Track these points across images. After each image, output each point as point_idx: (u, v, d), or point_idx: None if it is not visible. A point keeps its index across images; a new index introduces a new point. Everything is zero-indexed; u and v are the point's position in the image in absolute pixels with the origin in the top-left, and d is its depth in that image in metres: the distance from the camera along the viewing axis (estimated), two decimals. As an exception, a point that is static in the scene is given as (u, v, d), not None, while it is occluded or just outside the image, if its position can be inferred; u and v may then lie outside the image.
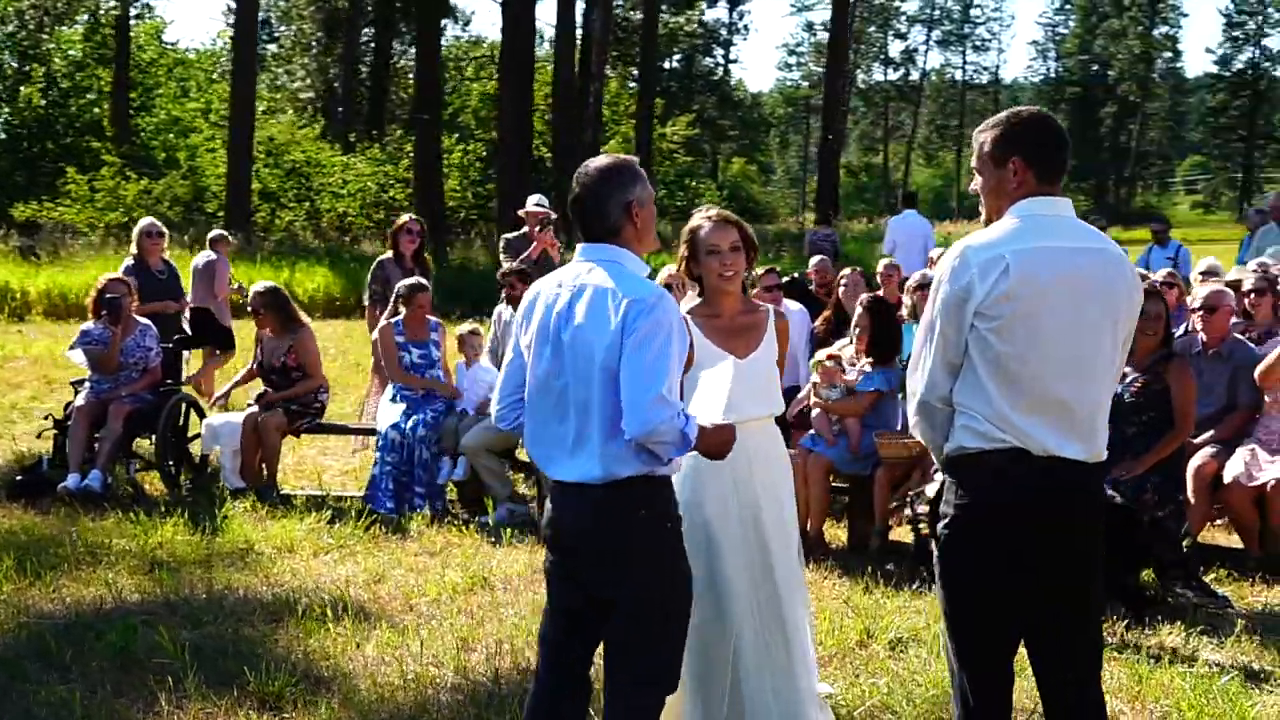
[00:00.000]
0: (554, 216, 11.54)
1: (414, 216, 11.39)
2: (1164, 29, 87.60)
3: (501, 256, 11.61)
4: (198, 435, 9.85)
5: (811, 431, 8.07)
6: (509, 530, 8.38)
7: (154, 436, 9.49)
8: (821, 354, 8.01)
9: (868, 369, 7.96)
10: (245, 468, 9.33)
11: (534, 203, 11.77)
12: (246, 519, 8.54)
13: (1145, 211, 79.42)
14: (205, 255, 14.02)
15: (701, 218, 4.84)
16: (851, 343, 8.11)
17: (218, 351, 12.58)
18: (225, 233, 15.20)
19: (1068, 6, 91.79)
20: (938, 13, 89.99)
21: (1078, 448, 3.74)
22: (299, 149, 37.49)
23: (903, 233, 18.16)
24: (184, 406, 9.87)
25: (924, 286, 8.95)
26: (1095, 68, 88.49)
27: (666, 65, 64.47)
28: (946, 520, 3.84)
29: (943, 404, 3.83)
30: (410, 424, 9.06)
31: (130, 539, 8.01)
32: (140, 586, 7.18)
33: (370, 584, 7.28)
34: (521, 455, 9.43)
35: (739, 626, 4.71)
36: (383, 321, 9.77)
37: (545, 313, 3.97)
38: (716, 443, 3.95)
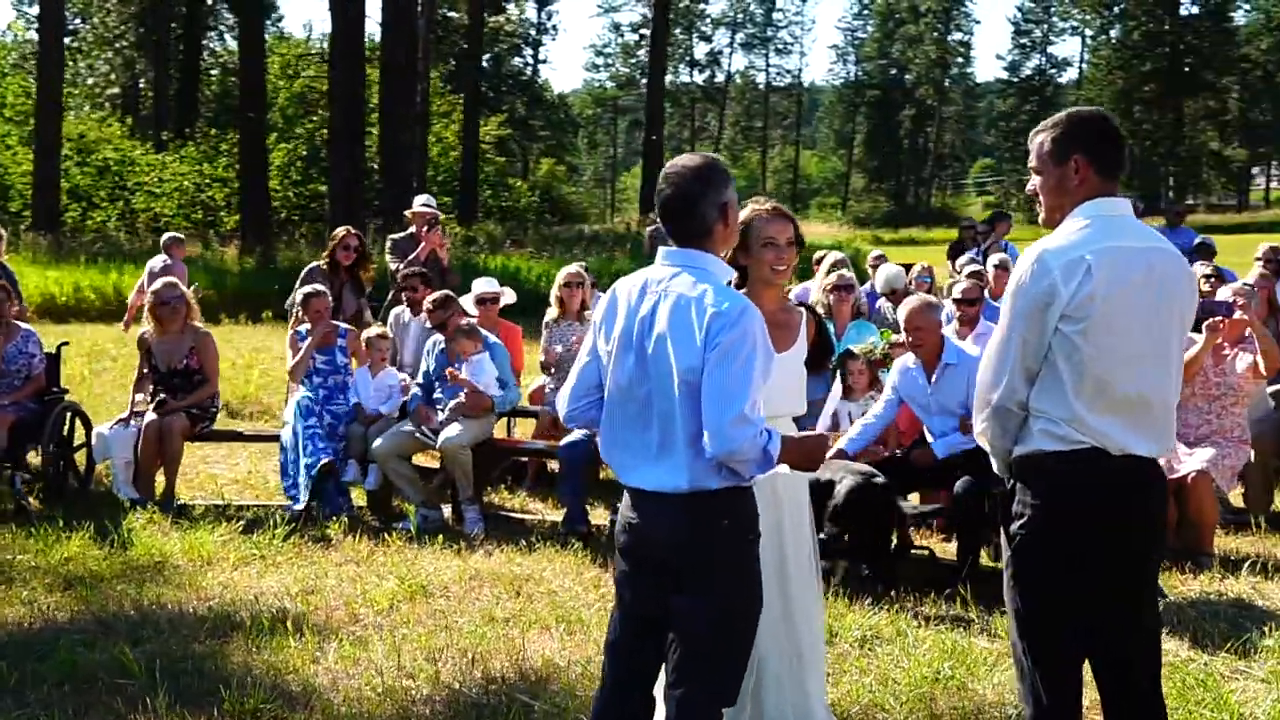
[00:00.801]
0: (441, 216, 11.39)
1: (352, 230, 11.13)
2: (958, 35, 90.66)
3: (388, 258, 11.42)
4: (84, 445, 9.42)
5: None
6: (436, 537, 8.23)
7: (39, 447, 9.04)
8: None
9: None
10: (141, 477, 8.96)
11: (421, 203, 11.60)
12: (152, 531, 8.21)
13: (945, 212, 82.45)
14: (160, 259, 14.13)
15: (757, 209, 4.73)
16: None
17: None
18: (179, 235, 15.17)
19: (866, 12, 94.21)
20: (741, 16, 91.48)
21: (1152, 445, 3.85)
22: (109, 147, 36.11)
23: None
24: (69, 416, 9.41)
25: (841, 288, 9.13)
26: (894, 72, 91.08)
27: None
28: (1022, 521, 3.88)
29: (1019, 409, 3.87)
30: (305, 427, 8.80)
31: (34, 555, 7.63)
32: (63, 604, 6.85)
33: (305, 595, 7.07)
34: (426, 461, 9.30)
35: (761, 636, 4.67)
36: (289, 330, 9.53)
37: (628, 318, 3.89)
38: (803, 454, 3.91)
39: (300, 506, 8.56)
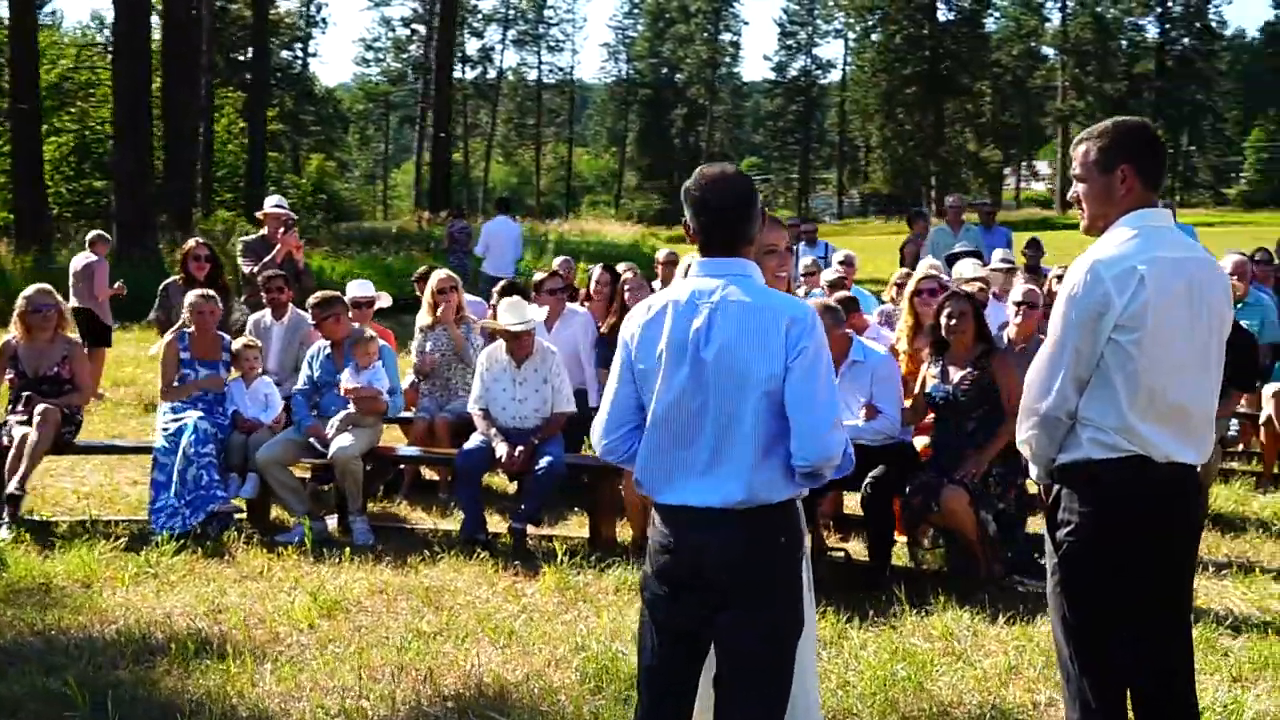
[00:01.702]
0: (295, 218, 11.06)
1: (201, 240, 10.65)
2: (728, 35, 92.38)
3: (240, 260, 11.02)
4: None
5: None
6: (332, 549, 8.00)
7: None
8: None
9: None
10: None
11: (273, 204, 11.22)
12: (24, 551, 7.77)
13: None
14: (84, 256, 14.03)
15: None
16: None
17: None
18: (104, 233, 14.93)
19: (636, 10, 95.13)
20: (513, 12, 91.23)
21: (1192, 453, 3.93)
22: None
23: (494, 237, 19.49)
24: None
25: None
26: (665, 71, 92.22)
27: (242, 58, 62.17)
28: (1070, 529, 3.93)
29: (1068, 418, 3.91)
30: (187, 439, 8.43)
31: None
32: (-49, 633, 6.42)
33: (214, 614, 6.79)
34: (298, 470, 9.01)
35: None
36: (167, 336, 9.09)
37: (676, 331, 3.73)
38: None
39: (177, 529, 8.14)
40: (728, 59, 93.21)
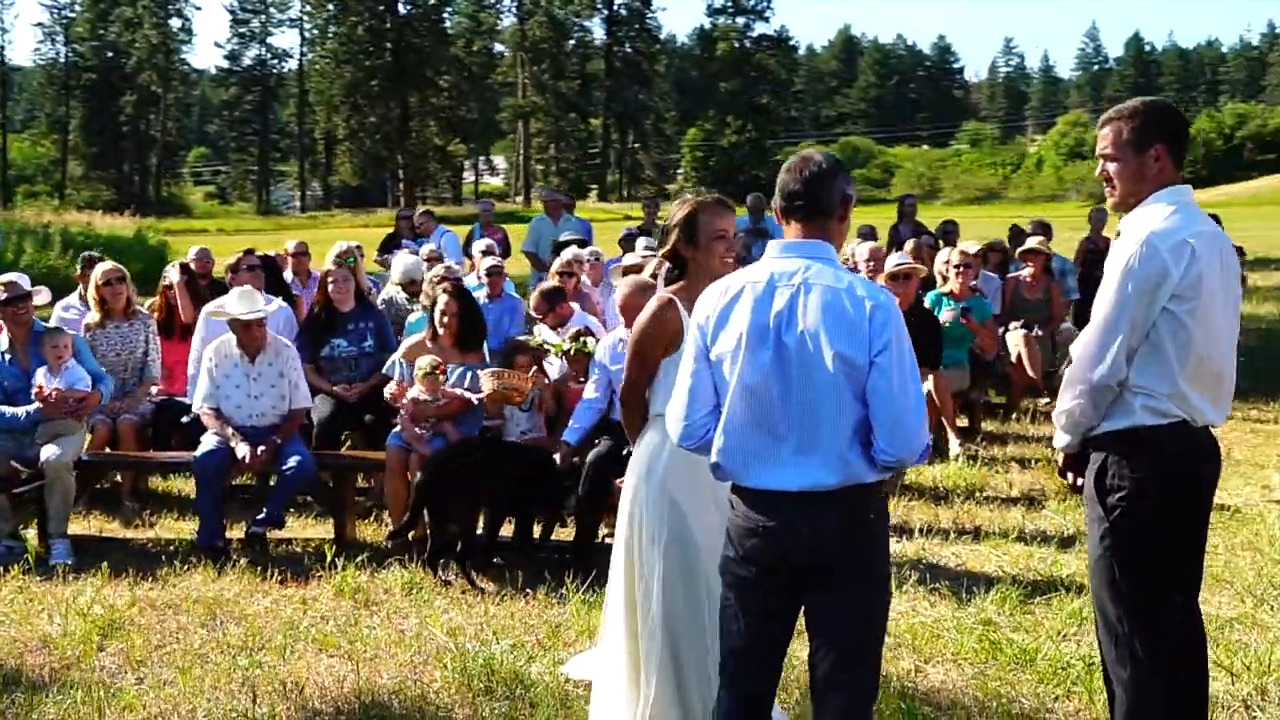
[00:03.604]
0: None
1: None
2: (177, 21, 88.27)
3: None
4: None
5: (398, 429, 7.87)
6: (54, 568, 7.31)
7: None
8: (424, 362, 7.73)
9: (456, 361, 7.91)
10: None
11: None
12: None
13: (171, 201, 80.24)
14: None
15: (701, 201, 4.70)
16: (437, 334, 7.94)
17: None
18: None
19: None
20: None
21: (1221, 417, 4.21)
22: None
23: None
24: None
25: (447, 279, 9.07)
26: (110, 55, 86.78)
27: None
28: (1123, 494, 4.06)
29: (1118, 386, 4.04)
30: None
31: None
32: None
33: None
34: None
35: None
36: None
37: (757, 315, 3.70)
38: None
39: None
40: (179, 45, 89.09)
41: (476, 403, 7.72)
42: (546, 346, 8.18)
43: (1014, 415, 11.19)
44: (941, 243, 13.56)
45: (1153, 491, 4.04)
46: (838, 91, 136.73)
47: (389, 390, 7.98)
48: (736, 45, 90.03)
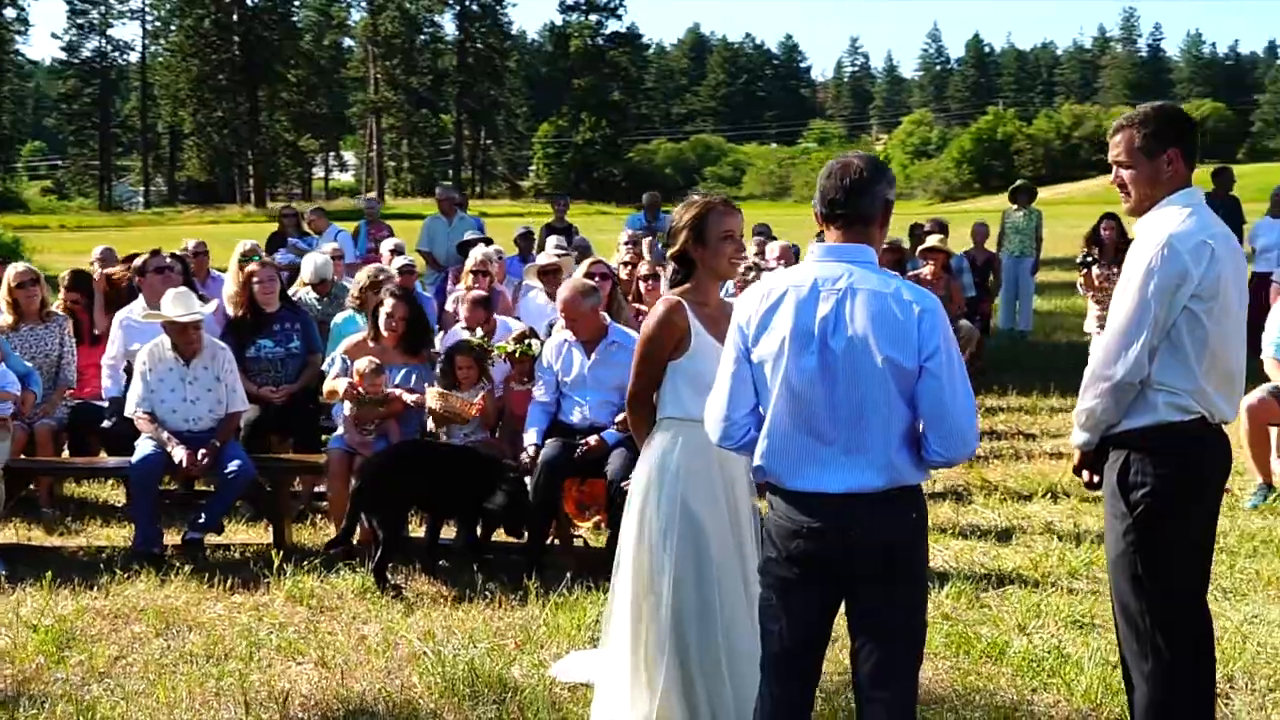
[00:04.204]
0: None
1: None
2: (11, 11, 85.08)
3: None
4: None
5: (341, 432, 7.77)
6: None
7: None
8: (363, 362, 7.65)
9: (400, 362, 7.82)
10: None
11: None
12: None
13: (5, 196, 77.30)
14: None
15: (709, 202, 4.70)
16: (380, 335, 7.84)
17: None
18: None
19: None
20: None
21: (1233, 413, 4.36)
22: None
23: None
24: None
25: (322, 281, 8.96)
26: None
27: None
28: (1147, 490, 4.15)
29: (1140, 384, 4.13)
30: None
31: None
32: None
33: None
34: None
35: (731, 617, 4.77)
36: None
37: (801, 319, 3.73)
38: None
39: None
40: (14, 35, 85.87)
41: (418, 405, 7.67)
42: (489, 348, 8.14)
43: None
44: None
45: (1176, 487, 4.15)
46: (688, 89, 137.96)
47: (326, 387, 7.87)
48: (589, 42, 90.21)
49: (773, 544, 3.91)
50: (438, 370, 7.94)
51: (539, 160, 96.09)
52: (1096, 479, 4.44)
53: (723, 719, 4.70)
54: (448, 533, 7.61)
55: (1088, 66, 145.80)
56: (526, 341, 8.02)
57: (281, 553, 7.44)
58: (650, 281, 9.35)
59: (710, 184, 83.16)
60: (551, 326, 8.40)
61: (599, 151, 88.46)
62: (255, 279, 8.84)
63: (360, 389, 7.57)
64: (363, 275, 9.34)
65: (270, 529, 8.04)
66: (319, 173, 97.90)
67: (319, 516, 8.45)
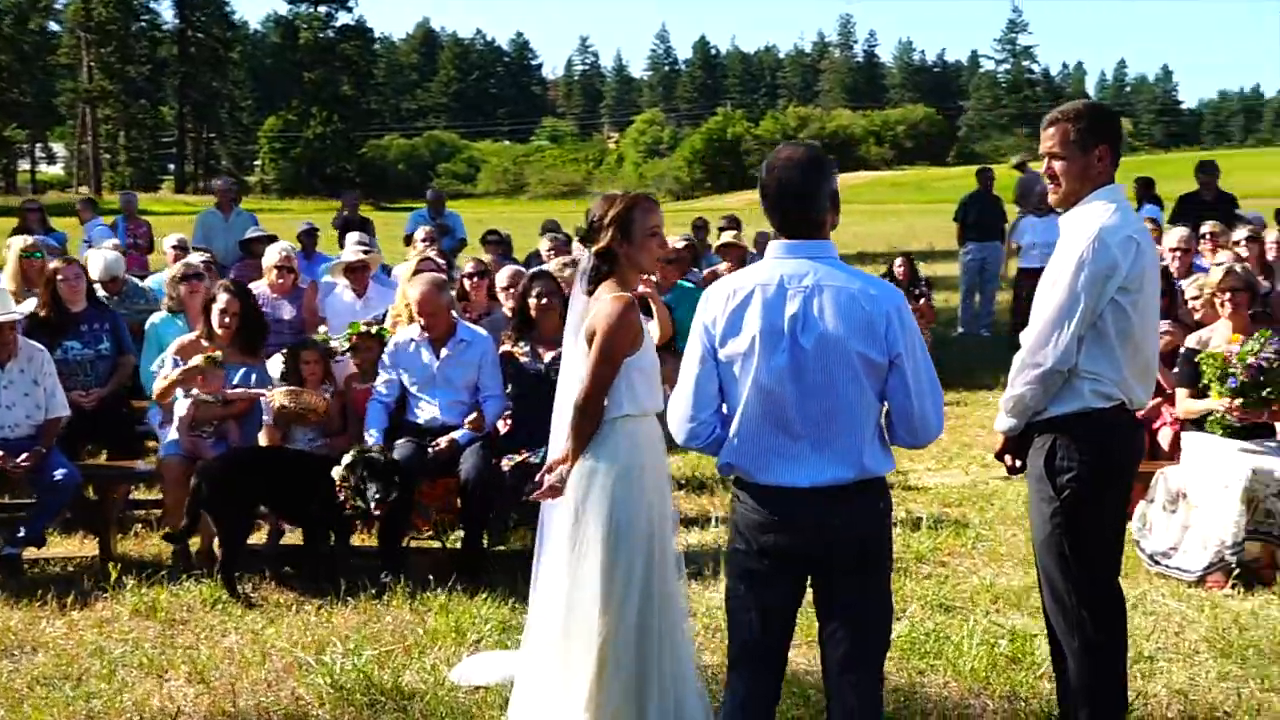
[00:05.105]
0: None
1: None
2: None
3: None
4: None
5: (174, 437, 7.35)
6: None
7: None
8: (201, 359, 7.24)
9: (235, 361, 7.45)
10: None
11: None
12: None
13: None
14: None
15: (635, 198, 4.66)
16: (214, 333, 7.43)
17: None
18: None
19: None
20: None
21: (1148, 399, 4.57)
22: None
23: None
24: None
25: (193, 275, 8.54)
26: None
27: None
28: (1073, 474, 4.32)
29: (1067, 373, 4.30)
30: None
31: None
32: None
33: None
34: None
35: (675, 618, 4.77)
36: None
37: (769, 317, 3.77)
38: None
39: None
40: None
41: (271, 405, 7.36)
42: (333, 341, 7.87)
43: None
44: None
45: (1100, 470, 4.34)
46: (419, 85, 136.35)
47: (157, 388, 7.45)
48: (319, 35, 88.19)
49: (742, 537, 3.95)
50: (279, 369, 7.65)
51: (265, 155, 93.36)
52: (1019, 463, 4.60)
53: None
54: (293, 538, 7.35)
55: (808, 70, 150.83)
56: (378, 328, 7.84)
57: (118, 566, 7.04)
58: (476, 279, 9.20)
59: (445, 180, 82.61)
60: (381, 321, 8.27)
61: (330, 146, 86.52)
62: (60, 276, 8.30)
63: (198, 389, 7.22)
64: (175, 270, 8.84)
65: (86, 541, 7.59)
66: (24, 165, 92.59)
67: (139, 526, 8.03)
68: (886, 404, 3.87)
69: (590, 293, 4.68)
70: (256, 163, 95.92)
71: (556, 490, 4.73)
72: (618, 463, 4.59)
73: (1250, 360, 6.59)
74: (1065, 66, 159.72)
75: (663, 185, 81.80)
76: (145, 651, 5.94)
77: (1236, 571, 6.55)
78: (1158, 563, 6.82)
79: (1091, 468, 4.34)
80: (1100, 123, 4.39)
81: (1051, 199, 4.51)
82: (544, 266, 8.67)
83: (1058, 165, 4.40)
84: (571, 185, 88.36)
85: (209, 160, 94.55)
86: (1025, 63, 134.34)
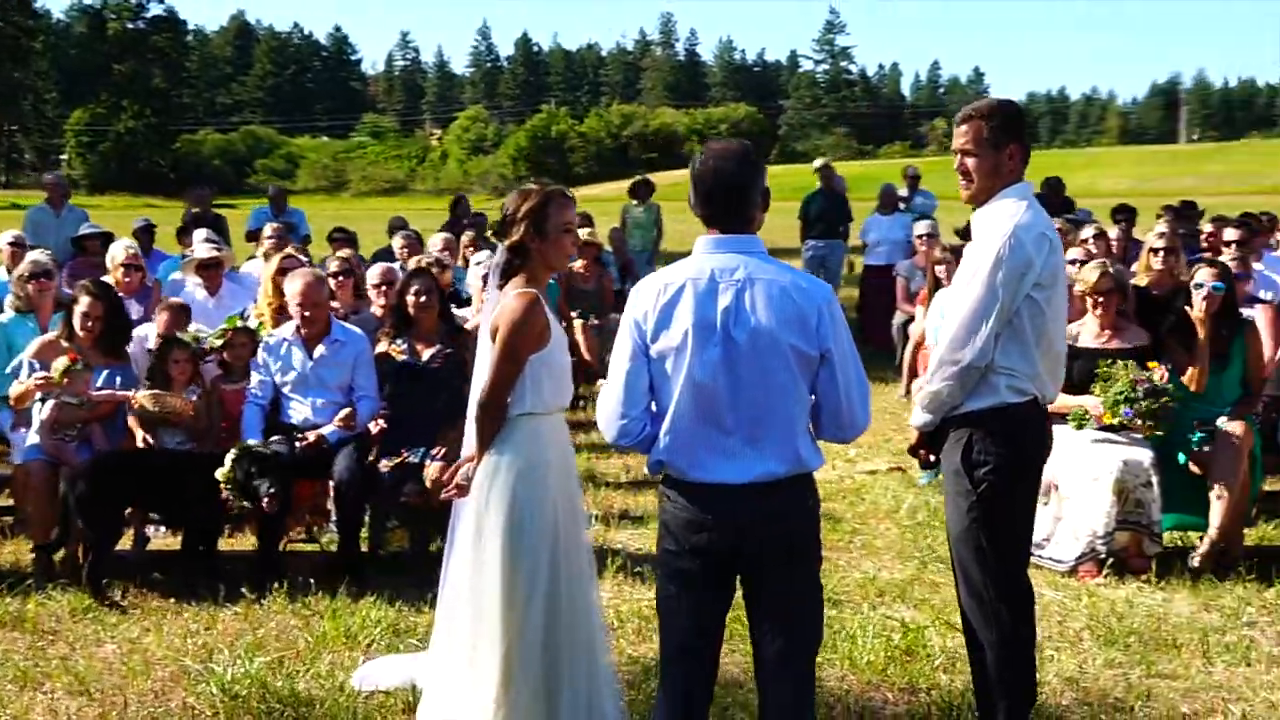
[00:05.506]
0: None
1: None
2: None
3: None
4: None
5: (34, 441, 7.03)
6: None
7: None
8: (62, 362, 6.91)
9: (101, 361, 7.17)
10: None
11: None
12: None
13: None
14: None
15: (549, 193, 4.58)
16: (75, 334, 7.12)
17: None
18: None
19: None
20: None
21: (1057, 394, 4.67)
22: None
23: None
24: None
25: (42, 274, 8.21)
26: None
27: None
28: (989, 468, 4.37)
29: (985, 368, 4.34)
30: None
31: None
32: None
33: None
34: None
35: (587, 615, 4.72)
36: None
37: (702, 311, 3.76)
38: None
39: None
40: None
41: (135, 405, 7.12)
42: (201, 337, 7.63)
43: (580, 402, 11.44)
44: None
45: (1014, 464, 4.42)
46: (234, 79, 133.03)
47: (13, 391, 7.14)
48: (129, 25, 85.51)
49: (673, 537, 3.93)
50: (145, 370, 7.40)
51: (72, 149, 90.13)
52: (933, 458, 4.67)
53: None
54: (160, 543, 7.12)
55: (631, 68, 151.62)
56: (245, 322, 7.64)
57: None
58: (341, 277, 9.02)
59: (263, 176, 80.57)
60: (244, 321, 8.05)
61: (142, 141, 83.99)
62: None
63: (58, 391, 6.94)
64: (22, 268, 8.44)
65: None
66: None
67: (-7, 534, 7.70)
68: (814, 398, 3.88)
69: (502, 287, 4.62)
70: (63, 157, 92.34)
71: (463, 489, 4.67)
72: (520, 460, 4.53)
73: (1153, 405, 6.73)
74: (881, 67, 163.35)
75: (488, 183, 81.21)
76: (17, 664, 5.70)
77: (1109, 561, 6.76)
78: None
79: (1007, 462, 4.40)
80: (1012, 121, 4.43)
81: (963, 195, 4.54)
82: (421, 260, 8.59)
83: (970, 162, 4.44)
84: (394, 182, 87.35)
85: (12, 154, 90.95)
86: (843, 63, 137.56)
